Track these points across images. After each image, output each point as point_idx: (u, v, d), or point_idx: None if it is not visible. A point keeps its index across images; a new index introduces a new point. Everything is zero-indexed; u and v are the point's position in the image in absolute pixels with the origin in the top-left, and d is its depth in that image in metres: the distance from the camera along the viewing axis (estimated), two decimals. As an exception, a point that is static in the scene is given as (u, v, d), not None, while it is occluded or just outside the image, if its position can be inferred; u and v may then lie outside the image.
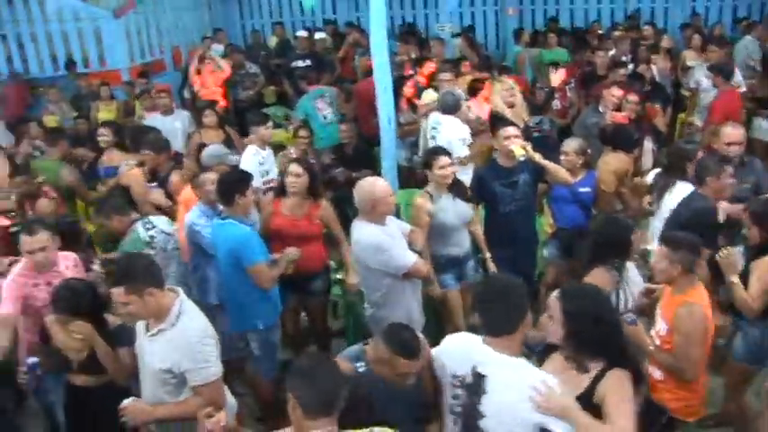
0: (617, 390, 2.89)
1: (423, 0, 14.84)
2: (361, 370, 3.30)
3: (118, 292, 3.39)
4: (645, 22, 12.86)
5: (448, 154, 5.21)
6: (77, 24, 12.09)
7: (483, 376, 2.92)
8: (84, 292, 3.99)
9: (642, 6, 14.08)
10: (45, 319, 4.10)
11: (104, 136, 7.25)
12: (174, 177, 6.08)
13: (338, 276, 5.78)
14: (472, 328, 3.65)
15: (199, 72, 10.01)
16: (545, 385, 2.80)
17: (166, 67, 12.93)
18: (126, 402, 3.52)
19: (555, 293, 3.10)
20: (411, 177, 7.61)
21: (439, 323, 5.28)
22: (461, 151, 6.65)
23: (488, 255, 5.42)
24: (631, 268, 4.16)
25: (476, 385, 2.94)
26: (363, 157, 7.80)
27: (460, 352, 3.09)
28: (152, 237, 5.04)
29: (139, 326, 3.62)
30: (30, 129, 8.51)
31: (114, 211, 5.16)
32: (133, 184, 6.17)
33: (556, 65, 9.55)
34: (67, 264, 4.64)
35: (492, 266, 5.37)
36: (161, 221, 5.22)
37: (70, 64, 11.70)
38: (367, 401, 3.03)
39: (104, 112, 9.83)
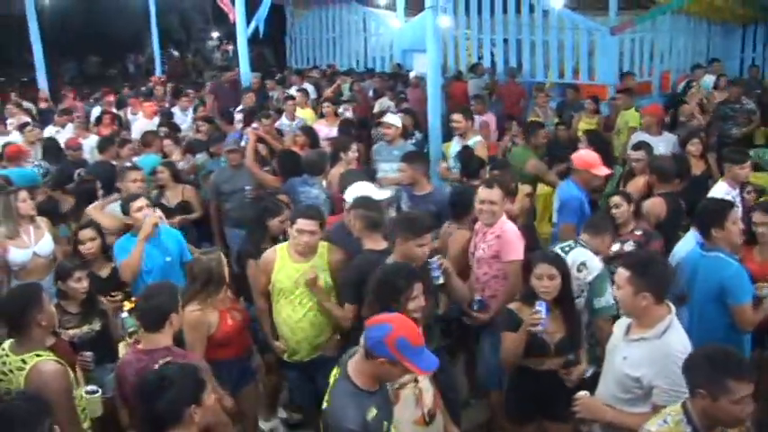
0: None
1: None
2: None
3: (623, 273, 3.45)
4: None
5: None
6: (575, 37, 12.61)
7: None
8: None
9: None
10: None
11: None
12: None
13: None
14: None
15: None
16: None
17: (653, 90, 12.78)
18: (581, 394, 3.58)
19: None
20: None
21: None
22: None
23: None
24: None
25: None
26: None
27: None
28: None
29: (620, 324, 3.64)
30: (512, 126, 9.29)
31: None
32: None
33: None
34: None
35: None
36: None
37: (575, 73, 12.28)
38: None
39: (585, 124, 10.05)
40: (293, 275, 4.63)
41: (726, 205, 4.61)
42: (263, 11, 12.68)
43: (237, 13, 12.69)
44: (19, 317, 3.55)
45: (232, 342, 4.50)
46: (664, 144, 8.11)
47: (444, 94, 13.25)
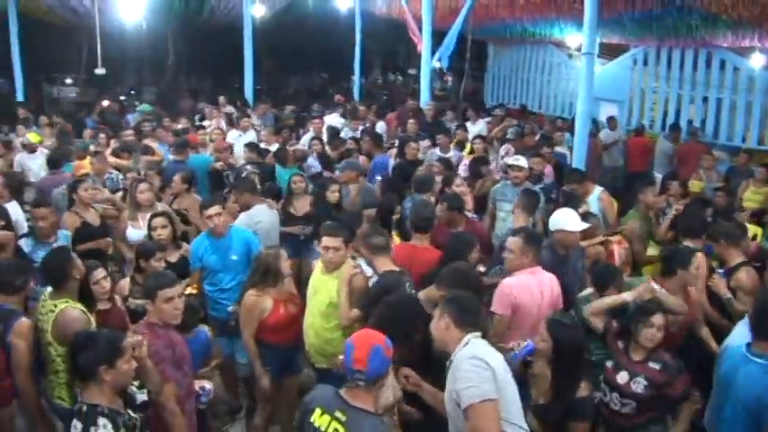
0: None
1: None
2: None
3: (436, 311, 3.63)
4: None
5: None
6: (764, 97, 11.94)
7: None
8: None
9: None
10: None
11: None
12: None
13: None
14: None
15: None
16: None
17: None
18: None
19: None
20: None
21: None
22: None
23: None
24: None
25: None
26: None
27: None
28: None
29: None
30: (671, 186, 8.78)
31: None
32: None
33: None
34: None
35: None
36: None
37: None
38: None
39: (751, 193, 9.49)
40: (315, 285, 5.04)
41: None
42: (447, 44, 13.05)
43: (423, 45, 13.29)
44: (61, 273, 4.40)
45: (282, 330, 5.01)
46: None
47: (625, 148, 13.03)
